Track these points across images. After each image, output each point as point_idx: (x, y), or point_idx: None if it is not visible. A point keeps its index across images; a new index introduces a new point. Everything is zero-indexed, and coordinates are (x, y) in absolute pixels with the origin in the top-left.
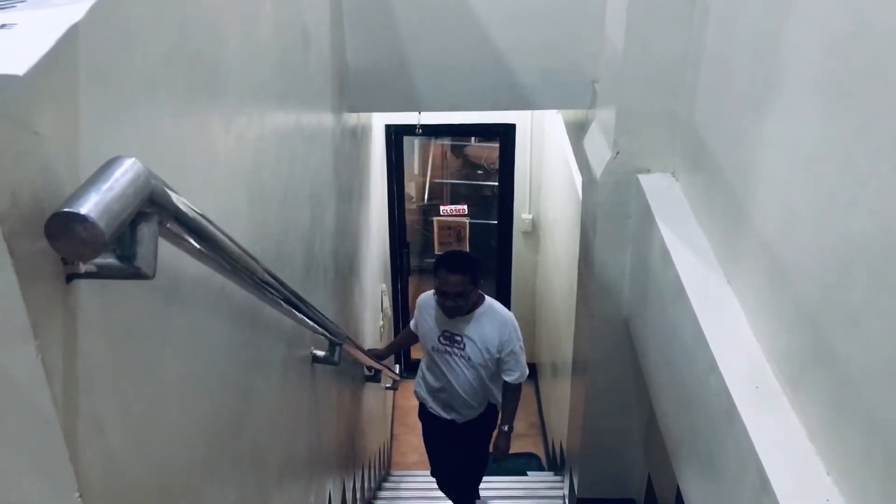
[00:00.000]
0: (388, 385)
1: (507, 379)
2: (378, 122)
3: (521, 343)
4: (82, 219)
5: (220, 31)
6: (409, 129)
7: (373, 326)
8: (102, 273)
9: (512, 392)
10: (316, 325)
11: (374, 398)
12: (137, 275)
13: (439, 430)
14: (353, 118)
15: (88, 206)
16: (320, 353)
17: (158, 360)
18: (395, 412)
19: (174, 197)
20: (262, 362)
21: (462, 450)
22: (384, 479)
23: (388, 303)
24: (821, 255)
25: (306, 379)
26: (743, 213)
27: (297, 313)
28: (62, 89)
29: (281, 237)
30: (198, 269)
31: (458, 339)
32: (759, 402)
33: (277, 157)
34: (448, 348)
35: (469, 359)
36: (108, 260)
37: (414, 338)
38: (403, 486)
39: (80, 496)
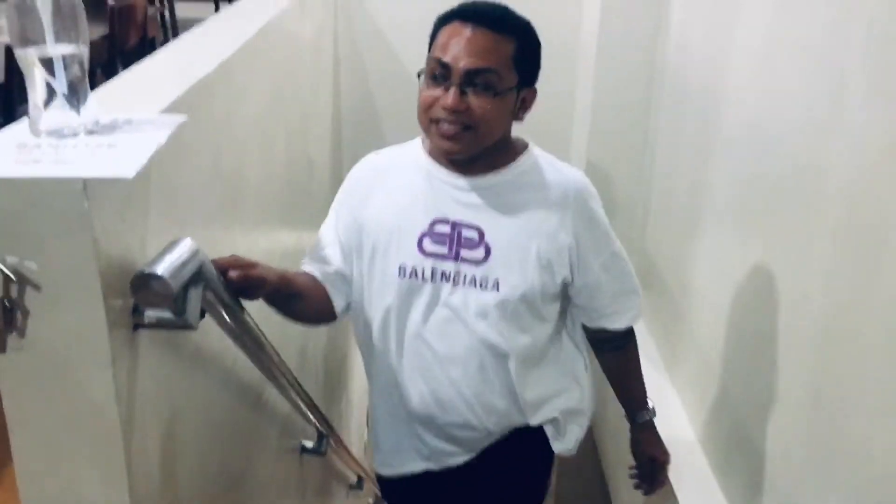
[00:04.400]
0: (351, 483)
1: (614, 326)
2: None
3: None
4: (158, 277)
5: (244, 156)
6: None
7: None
8: (160, 324)
9: (625, 350)
10: (308, 412)
11: None
12: (186, 326)
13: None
14: None
15: (162, 268)
16: (309, 443)
17: (184, 406)
18: None
19: (213, 272)
20: (259, 435)
21: None
22: None
23: None
24: (736, 351)
25: (295, 467)
26: (682, 322)
27: (293, 394)
28: (141, 190)
29: (280, 337)
30: (215, 345)
31: (473, 232)
32: (692, 483)
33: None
34: (443, 263)
35: (495, 287)
36: (166, 314)
37: (317, 295)
38: None
39: (128, 483)
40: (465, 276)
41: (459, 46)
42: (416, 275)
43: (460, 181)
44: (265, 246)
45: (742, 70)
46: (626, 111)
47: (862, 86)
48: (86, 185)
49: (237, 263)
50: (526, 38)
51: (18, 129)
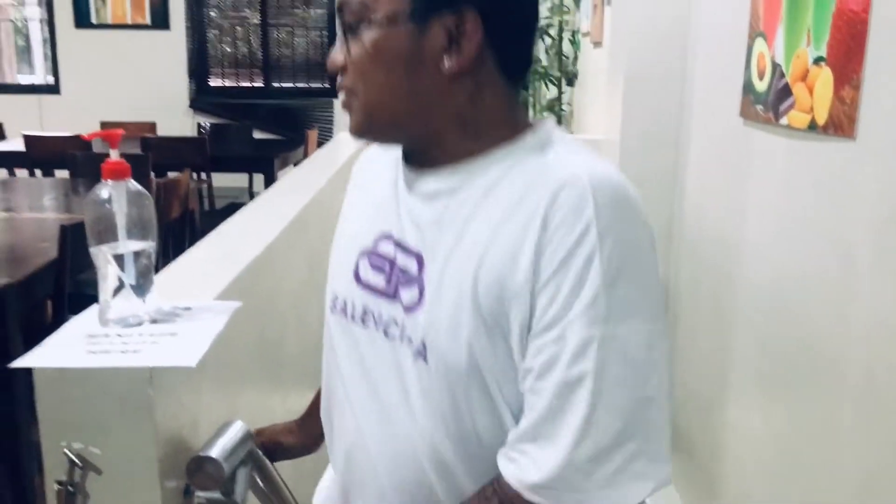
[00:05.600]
0: None
1: (500, 462)
2: None
3: (651, 328)
4: (213, 460)
5: (285, 328)
6: None
7: None
8: None
9: None
10: None
11: None
12: None
13: None
14: None
15: (217, 451)
16: None
17: None
18: None
19: (259, 452)
20: None
21: None
22: None
23: None
24: None
25: None
26: (714, 489)
27: None
28: (197, 373)
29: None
30: None
31: (412, 262)
32: None
33: None
34: (378, 301)
35: (420, 354)
36: (216, 495)
37: None
38: None
39: None
40: (402, 328)
41: None
42: (345, 312)
43: (415, 179)
44: (299, 408)
45: (755, 239)
46: None
47: (869, 258)
48: (152, 374)
49: (270, 437)
50: None
51: (87, 318)
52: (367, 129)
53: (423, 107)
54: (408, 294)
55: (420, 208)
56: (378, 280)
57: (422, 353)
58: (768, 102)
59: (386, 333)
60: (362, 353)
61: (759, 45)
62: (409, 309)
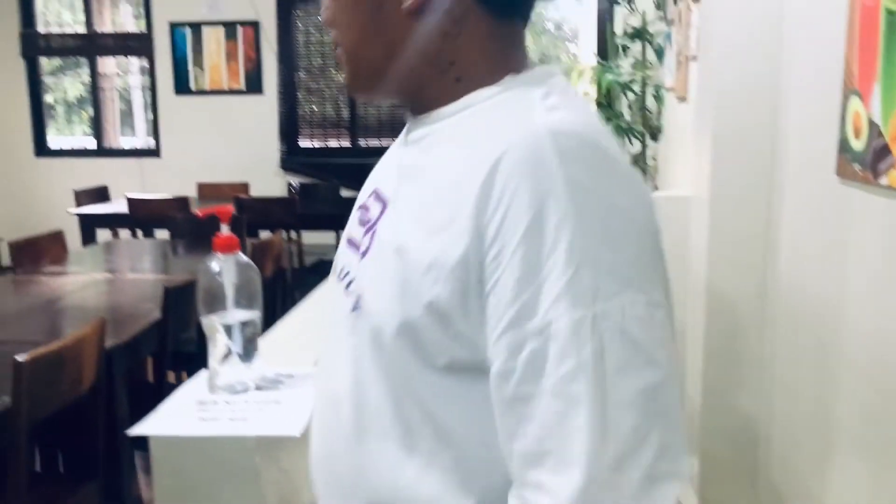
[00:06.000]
0: None
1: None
2: None
3: (638, 288)
4: None
5: None
6: None
7: None
8: None
9: None
10: None
11: None
12: None
13: None
14: None
15: None
16: None
17: None
18: None
19: None
20: None
21: None
22: None
23: None
24: None
25: None
26: None
27: None
28: (298, 440)
29: None
30: None
31: (378, 207)
32: None
33: None
34: (353, 254)
35: (356, 306)
36: None
37: None
38: None
39: None
40: (358, 284)
41: None
42: (334, 270)
43: (407, 130)
44: None
45: (855, 303)
46: (739, 333)
47: None
48: (258, 442)
49: None
50: None
51: (196, 384)
52: (355, 83)
53: (396, 50)
54: (364, 242)
55: (400, 157)
56: (357, 233)
57: (357, 304)
58: (866, 161)
59: (347, 287)
60: (334, 313)
61: (854, 103)
62: (361, 257)
